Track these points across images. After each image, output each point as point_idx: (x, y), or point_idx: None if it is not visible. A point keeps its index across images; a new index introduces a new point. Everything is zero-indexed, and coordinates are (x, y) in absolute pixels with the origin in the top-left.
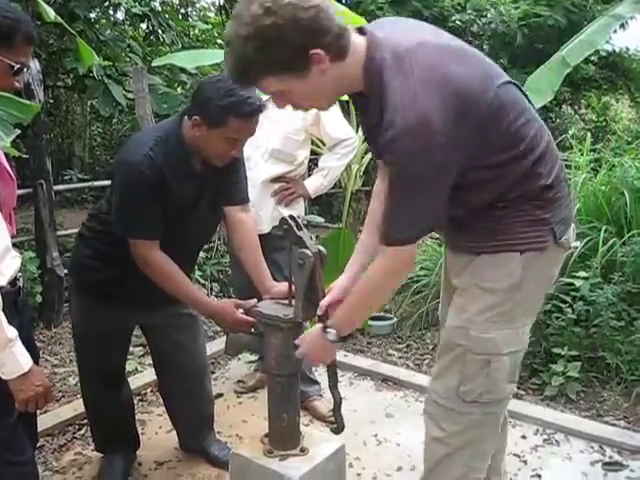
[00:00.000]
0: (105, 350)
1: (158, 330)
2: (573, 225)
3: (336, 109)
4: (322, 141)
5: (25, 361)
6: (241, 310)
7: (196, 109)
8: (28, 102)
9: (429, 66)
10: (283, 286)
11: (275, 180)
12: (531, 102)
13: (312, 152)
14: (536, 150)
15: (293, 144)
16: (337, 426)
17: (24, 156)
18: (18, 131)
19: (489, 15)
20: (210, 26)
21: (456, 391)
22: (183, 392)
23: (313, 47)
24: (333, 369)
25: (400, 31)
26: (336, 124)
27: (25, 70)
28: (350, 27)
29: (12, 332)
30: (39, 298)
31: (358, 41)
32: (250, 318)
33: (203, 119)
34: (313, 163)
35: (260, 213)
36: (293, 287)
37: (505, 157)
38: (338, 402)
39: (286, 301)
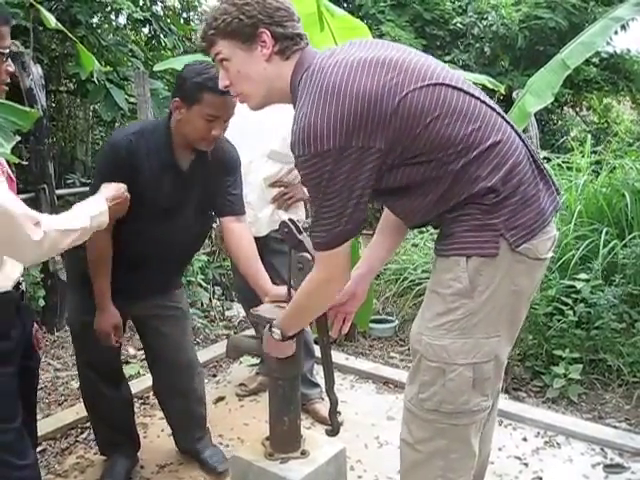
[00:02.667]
0: (99, 343)
1: (146, 322)
2: (552, 235)
3: None
4: None
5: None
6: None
7: (175, 92)
8: (28, 109)
9: (330, 85)
10: (282, 289)
11: (274, 184)
12: (494, 107)
13: None
14: (471, 152)
15: None
16: (332, 428)
17: (23, 162)
18: (18, 138)
19: (490, 18)
20: None
21: (417, 397)
22: (170, 387)
23: (264, 27)
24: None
25: (339, 50)
26: None
27: (8, 52)
28: (309, 44)
29: (84, 220)
30: (42, 302)
31: (299, 55)
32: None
33: (181, 99)
34: None
35: (259, 215)
36: (292, 291)
37: (432, 156)
38: (334, 404)
39: (286, 304)
